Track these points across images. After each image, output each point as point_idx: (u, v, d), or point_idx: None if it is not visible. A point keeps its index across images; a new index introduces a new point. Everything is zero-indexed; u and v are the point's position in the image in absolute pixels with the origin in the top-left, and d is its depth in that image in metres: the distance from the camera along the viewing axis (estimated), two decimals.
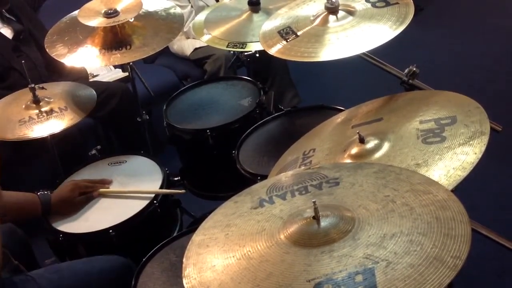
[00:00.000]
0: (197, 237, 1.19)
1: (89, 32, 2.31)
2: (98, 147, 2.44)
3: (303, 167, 1.49)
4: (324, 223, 1.08)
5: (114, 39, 2.27)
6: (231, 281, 1.04)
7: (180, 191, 2.19)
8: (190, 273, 1.09)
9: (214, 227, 1.21)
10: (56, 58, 2.26)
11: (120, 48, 2.23)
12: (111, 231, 1.94)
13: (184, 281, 1.07)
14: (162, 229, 2.11)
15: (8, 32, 2.82)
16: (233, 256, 1.09)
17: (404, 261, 0.96)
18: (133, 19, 2.30)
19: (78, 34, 2.32)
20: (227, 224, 1.20)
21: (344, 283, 0.94)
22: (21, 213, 1.97)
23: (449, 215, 1.04)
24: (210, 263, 1.10)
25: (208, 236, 1.18)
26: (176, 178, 2.47)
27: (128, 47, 2.23)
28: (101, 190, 2.10)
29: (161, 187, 2.09)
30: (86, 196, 2.08)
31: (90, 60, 2.25)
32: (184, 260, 1.13)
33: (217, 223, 1.22)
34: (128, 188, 2.13)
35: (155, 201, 2.03)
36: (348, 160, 1.44)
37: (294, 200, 1.21)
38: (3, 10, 2.84)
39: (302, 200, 1.20)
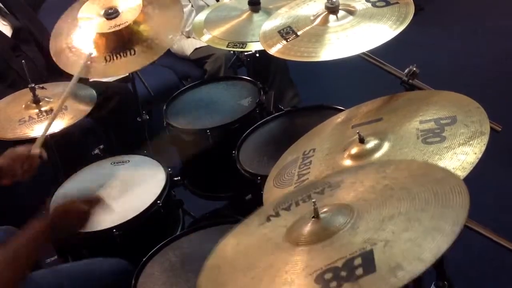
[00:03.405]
0: (209, 261, 1.20)
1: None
2: (101, 146, 2.44)
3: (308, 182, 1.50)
4: (324, 219, 1.09)
5: (117, 40, 2.27)
6: None
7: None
8: None
9: (224, 250, 1.22)
10: (66, 70, 2.26)
11: (125, 54, 2.23)
12: (114, 230, 1.95)
13: None
14: (165, 229, 2.11)
15: (7, 30, 2.81)
16: (241, 270, 1.11)
17: (402, 237, 0.97)
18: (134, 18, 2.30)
19: (82, 35, 2.32)
20: (237, 243, 1.22)
21: (344, 268, 0.95)
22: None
23: (447, 189, 1.04)
24: (221, 281, 1.12)
25: (220, 259, 1.20)
26: (176, 178, 2.48)
27: (133, 52, 2.23)
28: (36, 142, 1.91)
29: (164, 187, 2.09)
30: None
31: (98, 73, 2.27)
32: (197, 283, 1.14)
33: (228, 245, 1.23)
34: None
35: (158, 201, 2.04)
36: (348, 160, 1.45)
37: (298, 209, 1.22)
38: (1, 5, 2.83)
39: (305, 207, 1.21)
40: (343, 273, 0.94)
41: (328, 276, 0.95)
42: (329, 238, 1.04)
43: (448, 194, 1.03)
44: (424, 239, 0.94)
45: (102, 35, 2.29)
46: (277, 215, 1.23)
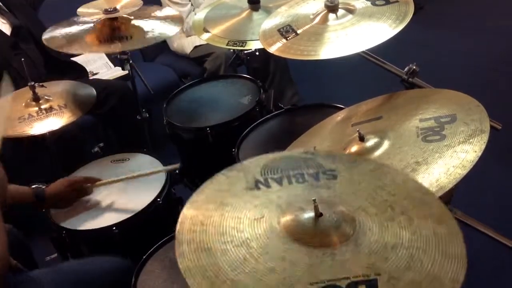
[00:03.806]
0: (189, 211, 1.12)
1: (87, 29, 2.32)
2: (101, 144, 2.44)
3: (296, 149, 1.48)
4: (325, 223, 1.07)
5: (113, 33, 2.28)
6: (230, 269, 1.00)
7: (175, 166, 2.17)
8: (185, 253, 1.02)
9: (206, 203, 1.15)
10: (55, 49, 2.26)
11: (121, 39, 2.24)
12: (114, 228, 1.95)
13: (179, 261, 1.00)
14: (165, 227, 2.11)
15: (6, 28, 2.81)
16: (231, 241, 1.05)
17: (406, 277, 0.95)
18: (133, 17, 2.31)
19: (76, 30, 2.32)
20: (221, 202, 1.14)
21: None
22: (13, 206, 1.92)
23: (444, 231, 1.04)
24: (206, 245, 1.04)
25: (201, 212, 1.12)
26: (176, 176, 2.47)
27: (130, 37, 2.24)
28: (96, 183, 2.10)
29: (164, 185, 2.09)
30: (80, 191, 2.08)
31: (90, 48, 2.27)
32: (177, 234, 1.06)
33: (210, 199, 1.16)
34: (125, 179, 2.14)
35: (158, 199, 2.04)
36: None
37: (292, 188, 1.18)
38: (0, 4, 2.83)
39: (300, 189, 1.17)
40: None
41: None
42: (330, 247, 1.03)
43: (446, 239, 1.02)
44: (427, 287, 0.94)
45: (101, 25, 2.30)
46: (266, 184, 1.19)
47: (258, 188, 1.18)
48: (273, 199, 1.15)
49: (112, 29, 2.28)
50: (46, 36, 2.32)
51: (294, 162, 1.26)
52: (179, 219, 1.10)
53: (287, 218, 1.10)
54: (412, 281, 0.95)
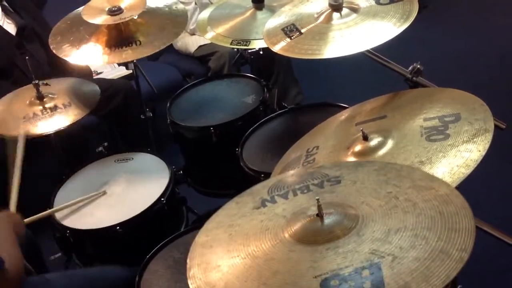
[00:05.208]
0: (200, 238, 1.19)
1: (93, 30, 2.31)
2: (105, 144, 2.44)
3: (303, 167, 1.50)
4: (328, 220, 1.08)
5: (119, 36, 2.27)
6: (236, 280, 1.03)
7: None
8: (195, 274, 1.08)
9: (217, 228, 1.20)
10: (65, 59, 2.25)
11: (130, 44, 2.23)
12: (118, 227, 1.95)
13: (189, 282, 1.07)
14: (168, 226, 2.12)
15: (11, 28, 2.82)
16: (238, 256, 1.09)
17: (410, 255, 0.96)
18: (137, 16, 2.30)
19: (83, 33, 2.32)
20: (230, 225, 1.19)
21: (351, 278, 0.95)
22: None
23: (452, 209, 1.04)
24: (215, 263, 1.09)
25: (211, 237, 1.18)
26: (179, 175, 2.48)
27: (138, 43, 2.24)
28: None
29: (168, 185, 2.10)
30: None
31: (100, 58, 2.25)
32: (188, 261, 1.12)
33: (220, 224, 1.21)
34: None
35: (162, 199, 2.04)
36: (352, 158, 1.44)
37: (296, 199, 1.21)
38: (5, 3, 2.84)
39: (304, 199, 1.20)
40: (351, 283, 0.94)
41: (334, 282, 0.95)
42: (333, 241, 1.04)
43: (453, 216, 1.03)
44: (432, 261, 0.94)
45: (106, 28, 2.29)
46: (273, 201, 1.22)
47: (265, 206, 1.22)
48: (278, 212, 1.18)
49: (119, 30, 2.28)
50: (53, 44, 2.31)
51: (301, 177, 1.29)
52: (191, 248, 1.16)
53: (290, 224, 1.12)
54: (417, 257, 0.95)
